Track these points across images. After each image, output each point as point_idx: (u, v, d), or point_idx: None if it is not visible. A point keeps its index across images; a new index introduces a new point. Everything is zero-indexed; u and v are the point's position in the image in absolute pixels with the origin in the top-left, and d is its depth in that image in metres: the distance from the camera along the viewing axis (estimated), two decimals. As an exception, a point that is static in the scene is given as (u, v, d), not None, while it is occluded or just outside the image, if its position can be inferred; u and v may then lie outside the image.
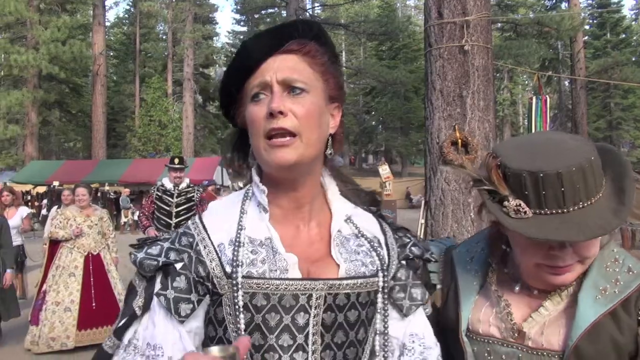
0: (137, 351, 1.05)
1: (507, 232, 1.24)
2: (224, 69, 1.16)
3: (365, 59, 42.71)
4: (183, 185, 6.77)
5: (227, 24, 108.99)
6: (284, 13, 30.94)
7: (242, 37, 48.32)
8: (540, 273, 1.19)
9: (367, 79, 32.15)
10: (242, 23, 48.73)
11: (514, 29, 26.81)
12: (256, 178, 1.14)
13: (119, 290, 6.25)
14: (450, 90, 5.89)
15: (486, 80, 6.07)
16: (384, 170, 14.25)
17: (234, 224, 1.10)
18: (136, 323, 1.07)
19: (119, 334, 1.07)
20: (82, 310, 5.99)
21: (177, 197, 6.68)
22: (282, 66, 1.06)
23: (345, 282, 1.08)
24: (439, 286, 1.38)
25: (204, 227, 1.11)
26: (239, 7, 44.90)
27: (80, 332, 5.95)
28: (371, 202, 1.27)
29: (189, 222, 1.15)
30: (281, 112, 1.02)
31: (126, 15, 46.91)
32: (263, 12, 39.82)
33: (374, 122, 43.00)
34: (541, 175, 1.09)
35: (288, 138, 1.02)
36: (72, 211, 6.39)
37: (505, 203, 1.14)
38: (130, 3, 44.34)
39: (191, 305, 1.05)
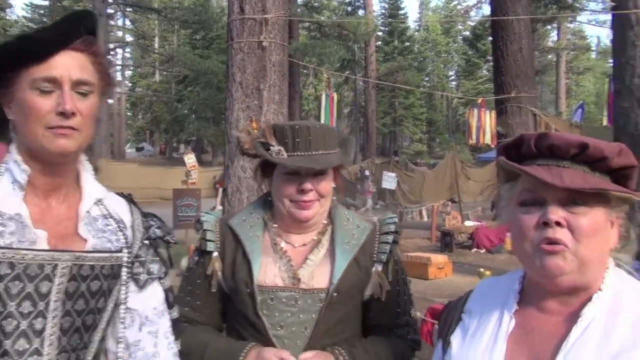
0: None
1: (273, 189, 1.65)
2: None
3: (179, 47, 41.74)
4: None
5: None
6: (90, -10, 28.93)
7: (42, 11, 43.52)
8: (291, 210, 1.59)
9: (179, 67, 31.79)
10: (42, -4, 43.62)
11: (319, 29, 28.83)
12: (18, 157, 1.18)
13: None
14: (249, 83, 6.45)
15: (282, 76, 6.69)
16: (190, 159, 14.84)
17: None
18: None
19: None
20: None
21: None
22: (72, 64, 1.15)
23: (91, 254, 1.20)
24: (215, 254, 1.64)
25: None
26: (37, -22, 40.29)
27: None
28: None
29: None
30: (73, 113, 1.13)
31: None
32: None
33: (186, 111, 42.40)
34: (297, 127, 1.58)
35: (71, 131, 1.14)
36: None
37: (271, 148, 1.59)
38: None
39: None
